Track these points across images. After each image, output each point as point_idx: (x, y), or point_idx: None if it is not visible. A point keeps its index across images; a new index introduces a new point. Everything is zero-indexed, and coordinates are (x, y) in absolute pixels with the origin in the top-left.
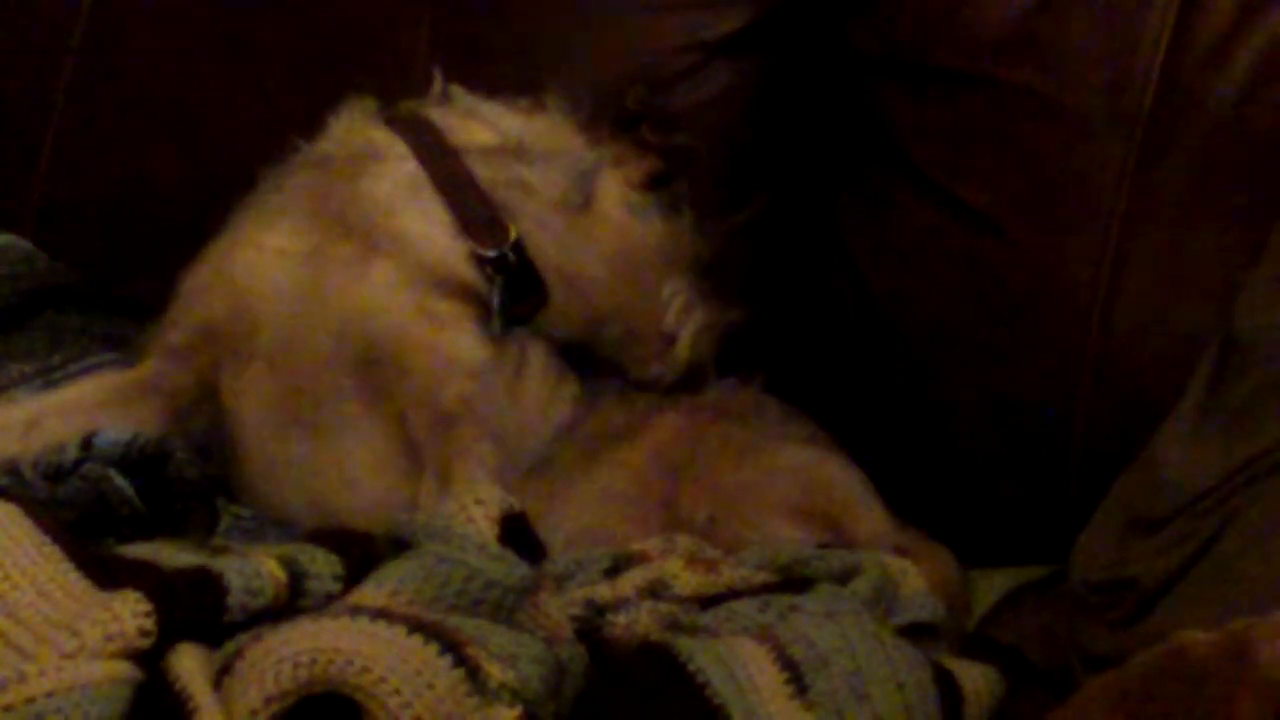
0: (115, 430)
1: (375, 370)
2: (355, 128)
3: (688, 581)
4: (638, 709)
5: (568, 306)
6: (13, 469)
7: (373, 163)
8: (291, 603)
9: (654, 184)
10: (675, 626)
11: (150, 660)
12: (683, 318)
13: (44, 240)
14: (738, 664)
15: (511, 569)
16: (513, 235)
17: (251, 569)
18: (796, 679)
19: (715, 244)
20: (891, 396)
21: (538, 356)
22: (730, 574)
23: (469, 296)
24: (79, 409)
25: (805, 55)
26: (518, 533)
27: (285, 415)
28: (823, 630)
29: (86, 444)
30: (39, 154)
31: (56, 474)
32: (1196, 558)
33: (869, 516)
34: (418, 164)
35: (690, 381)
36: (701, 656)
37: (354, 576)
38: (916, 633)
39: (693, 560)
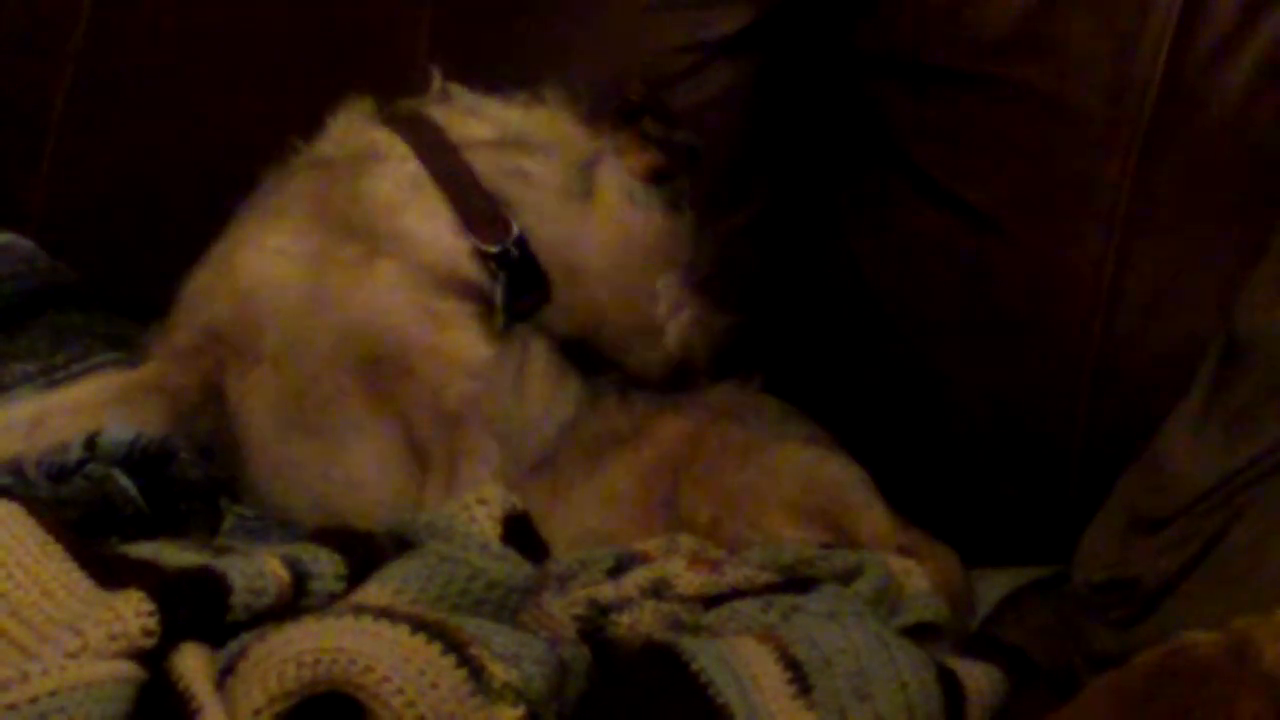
0: (119, 430)
1: (379, 371)
2: (355, 128)
3: (690, 581)
4: (641, 709)
5: (568, 300)
6: (16, 468)
7: (373, 163)
8: (295, 602)
9: (656, 178)
10: (678, 626)
11: (153, 660)
12: (674, 311)
13: (46, 240)
14: (741, 664)
15: (514, 569)
16: (515, 230)
17: (255, 569)
18: (799, 679)
19: (713, 249)
20: (893, 396)
21: (540, 354)
22: (733, 574)
23: (472, 294)
24: (82, 409)
25: (805, 55)
26: (521, 532)
27: (289, 416)
28: (826, 630)
29: (90, 444)
30: (41, 154)
31: (60, 473)
32: (1199, 558)
33: (871, 516)
34: (418, 162)
35: (681, 379)
36: (704, 656)
37: (357, 576)
38: (919, 632)
39: (695, 560)
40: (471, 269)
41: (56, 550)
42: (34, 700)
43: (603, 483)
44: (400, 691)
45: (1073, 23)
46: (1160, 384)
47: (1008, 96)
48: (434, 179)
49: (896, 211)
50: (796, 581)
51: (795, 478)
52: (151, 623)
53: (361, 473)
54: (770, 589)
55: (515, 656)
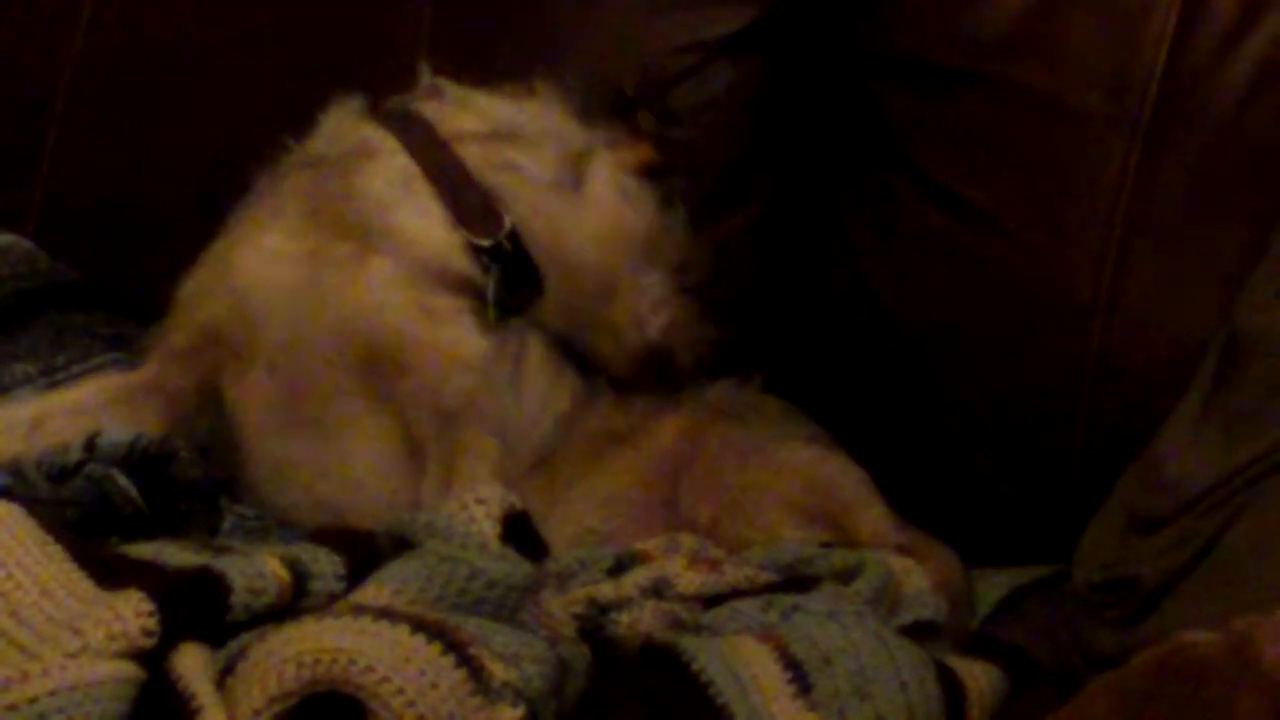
0: (118, 431)
1: (376, 369)
2: (346, 125)
3: (690, 581)
4: (641, 708)
5: (558, 292)
6: (16, 469)
7: (365, 160)
8: (294, 602)
9: (649, 173)
10: (678, 626)
11: (153, 660)
12: (655, 308)
13: (45, 241)
14: (741, 663)
15: (514, 568)
16: (507, 223)
17: (254, 569)
18: (800, 678)
19: (708, 253)
20: (893, 395)
21: (536, 349)
22: (733, 573)
23: (466, 289)
24: (82, 410)
25: (807, 55)
26: (520, 532)
27: (287, 415)
28: (826, 630)
29: (90, 444)
30: (40, 155)
31: (60, 474)
32: (1199, 557)
33: (871, 516)
34: (409, 158)
35: (656, 375)
36: (705, 656)
37: (357, 576)
38: (919, 632)
39: (695, 559)
40: (464, 263)
41: (56, 550)
42: (34, 700)
43: (602, 482)
44: (400, 691)
45: (1073, 22)
46: (1160, 383)
47: (1008, 96)
48: (425, 174)
49: (897, 211)
50: (796, 581)
51: (795, 477)
52: (151, 623)
53: (360, 470)
54: (770, 588)
55: (515, 656)
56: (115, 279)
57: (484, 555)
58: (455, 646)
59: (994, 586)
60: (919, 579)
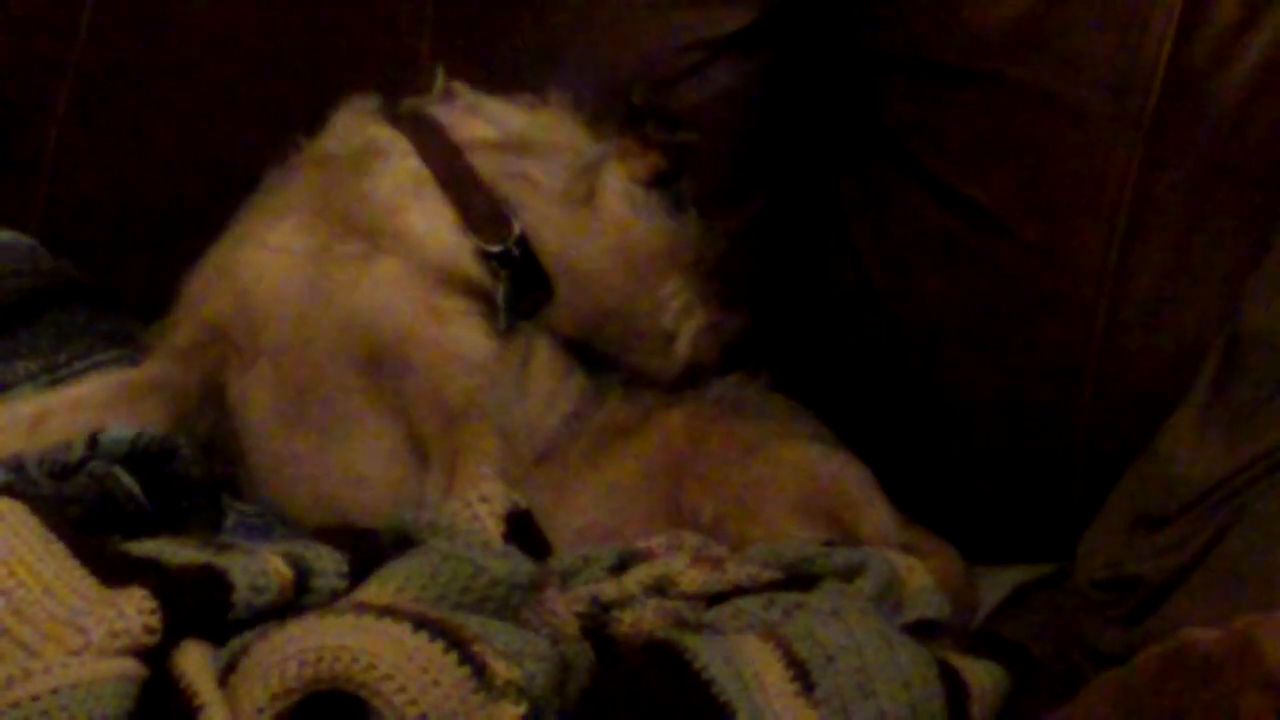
0: (120, 428)
1: (381, 367)
2: (357, 125)
3: (693, 579)
4: (643, 706)
5: (571, 301)
6: (18, 466)
7: (376, 161)
8: (297, 600)
9: (658, 181)
10: (681, 624)
11: (156, 657)
12: (683, 317)
13: (48, 238)
14: (743, 661)
15: (516, 566)
16: (517, 230)
17: (257, 566)
18: (802, 676)
19: (718, 245)
20: (896, 393)
21: (543, 350)
22: (736, 571)
23: (474, 292)
24: (85, 407)
25: (809, 53)
26: (522, 530)
27: (291, 413)
28: (829, 628)
29: (92, 441)
30: (43, 152)
31: (62, 471)
32: (1202, 555)
33: (874, 514)
34: (421, 161)
35: (690, 380)
36: (707, 654)
37: (359, 574)
38: (922, 630)
39: (698, 558)
40: (473, 268)
41: (59, 548)
42: (36, 698)
43: (608, 476)
44: (402, 689)
45: (1075, 20)
46: (1163, 382)
47: (1010, 94)
48: (436, 178)
49: (899, 209)
50: (799, 579)
51: (798, 475)
52: (154, 620)
53: (363, 469)
54: (773, 586)
55: (517, 654)
56: (117, 276)
57: (487, 553)
58: (458, 644)
59: (996, 584)
60: (922, 577)
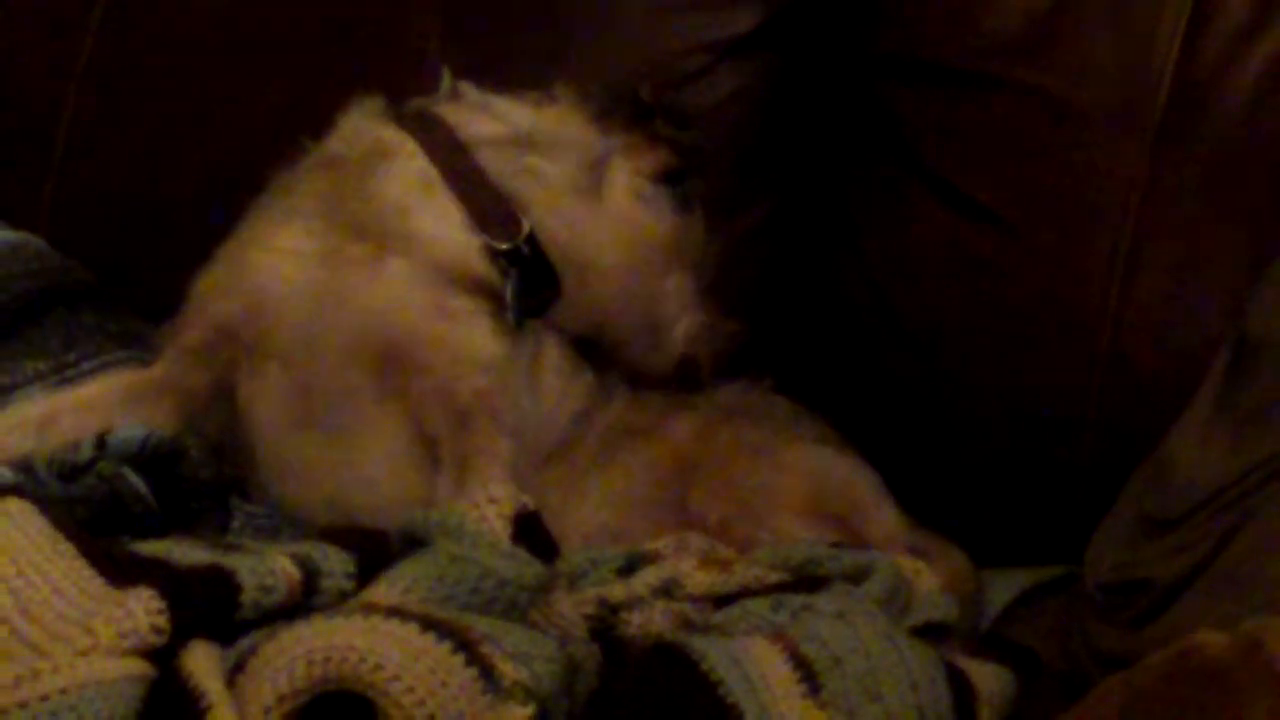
0: (129, 429)
1: (391, 368)
2: (364, 126)
3: (701, 581)
4: (651, 708)
5: (577, 296)
6: (27, 466)
7: (383, 161)
8: (305, 601)
9: (666, 178)
10: (688, 626)
11: (163, 658)
12: (680, 313)
13: (57, 238)
14: (751, 663)
15: (524, 568)
16: (525, 228)
17: (265, 567)
18: (809, 678)
19: (720, 251)
20: (903, 396)
21: (553, 349)
22: (743, 574)
23: (484, 291)
24: (93, 407)
25: (816, 56)
26: (531, 531)
27: (300, 414)
28: (836, 630)
29: (100, 442)
30: (52, 153)
31: (71, 472)
32: (1209, 559)
33: (881, 516)
34: (428, 161)
35: (686, 380)
36: (714, 656)
37: (367, 575)
38: (930, 632)
39: (706, 560)
40: (482, 266)
41: (67, 548)
42: (45, 698)
43: (617, 478)
44: (410, 690)
45: (1084, 24)
46: (1170, 386)
47: (1018, 98)
48: (444, 177)
49: (907, 212)
50: (806, 581)
51: (806, 478)
52: (162, 620)
53: (373, 469)
54: (780, 589)
55: (525, 655)
56: (126, 277)
57: (495, 555)
58: (466, 645)
59: (1004, 588)
60: (929, 580)
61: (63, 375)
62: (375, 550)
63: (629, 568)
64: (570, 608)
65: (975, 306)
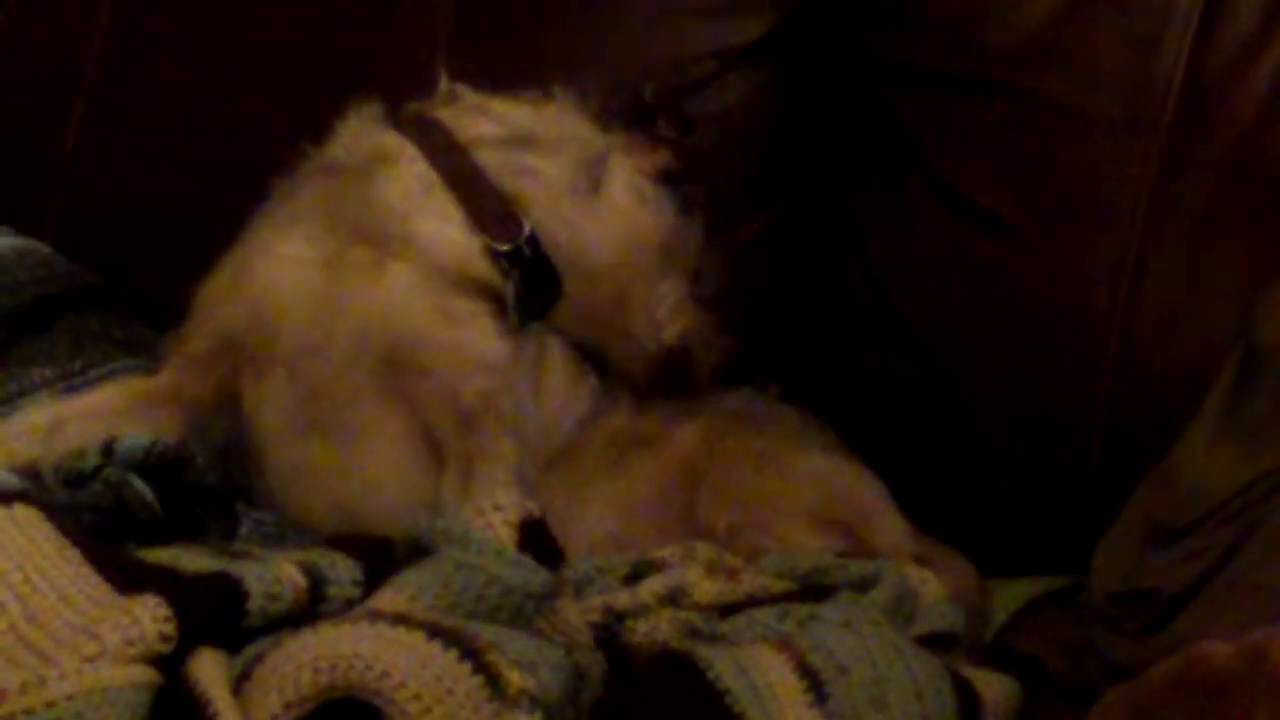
0: (135, 436)
1: (395, 372)
2: (363, 132)
3: (707, 590)
4: (657, 716)
5: (576, 296)
6: (34, 473)
7: (383, 166)
8: (311, 608)
9: (666, 179)
10: (694, 634)
11: (170, 665)
12: (673, 315)
13: (63, 244)
14: (757, 672)
15: (530, 575)
16: (526, 228)
17: (271, 574)
18: (816, 687)
19: (722, 262)
20: (909, 404)
21: (556, 352)
22: (749, 582)
23: (486, 293)
24: (100, 415)
25: (824, 63)
26: (536, 539)
27: (305, 420)
28: (842, 639)
29: (107, 449)
30: (59, 159)
31: (77, 479)
32: (1216, 568)
33: (888, 525)
34: (428, 164)
35: (671, 383)
36: (721, 664)
37: (373, 582)
38: (936, 642)
39: (712, 568)
40: (484, 268)
41: (74, 555)
42: (51, 705)
43: (623, 486)
44: (416, 698)
45: (1091, 31)
46: (1178, 393)
47: (1026, 105)
48: (444, 180)
49: (913, 218)
50: (813, 590)
51: (812, 486)
52: (168, 628)
53: (378, 474)
54: (786, 597)
55: (531, 663)
56: (133, 283)
57: (501, 562)
58: (471, 653)
59: (1010, 597)
60: (935, 589)
61: (69, 382)
62: (381, 557)
63: (635, 576)
64: (576, 615)
65: (981, 313)
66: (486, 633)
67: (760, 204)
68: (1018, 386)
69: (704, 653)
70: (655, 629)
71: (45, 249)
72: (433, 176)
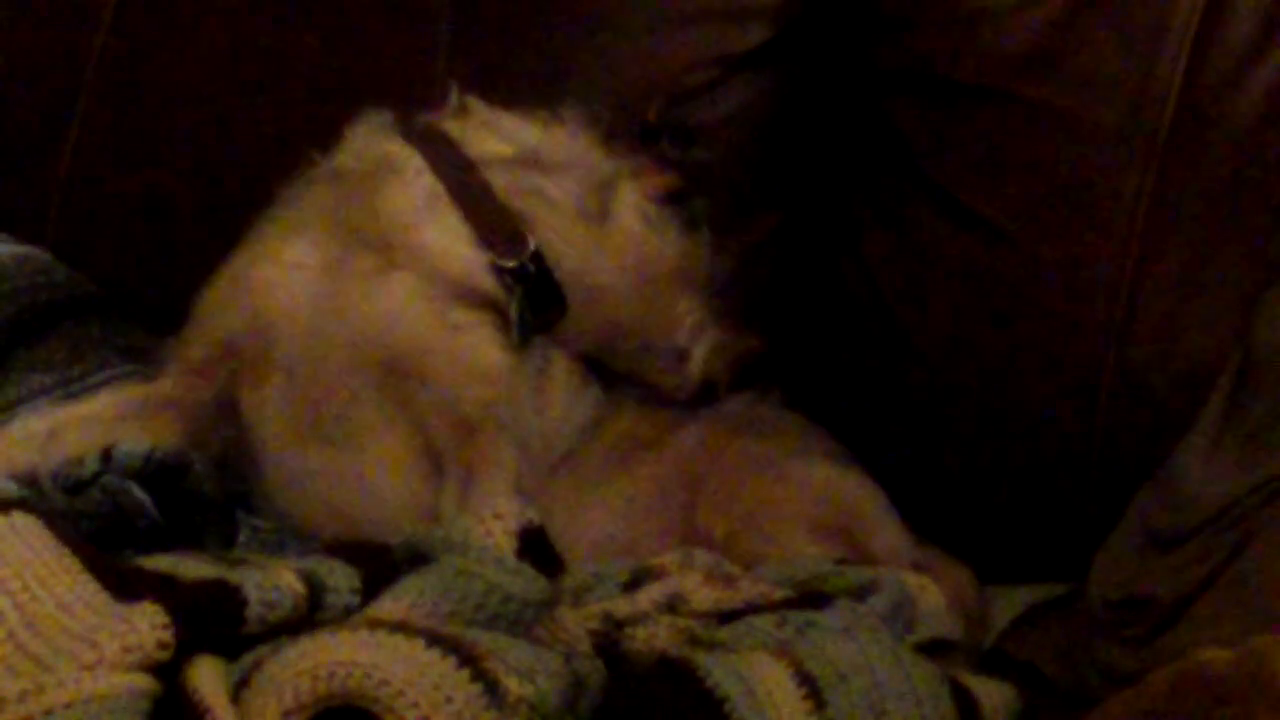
0: (134, 443)
1: (395, 380)
2: (371, 141)
3: (706, 597)
4: None
5: (585, 317)
6: (32, 480)
7: (390, 176)
8: (310, 615)
9: (672, 199)
10: (693, 641)
11: (168, 673)
12: (696, 335)
13: (63, 251)
14: (756, 679)
15: (529, 583)
16: (531, 246)
17: (270, 581)
18: (814, 695)
19: (732, 263)
20: (909, 412)
21: (560, 361)
22: (748, 589)
23: (489, 306)
24: (98, 422)
25: (822, 71)
26: (535, 546)
27: (305, 428)
28: (841, 646)
29: (105, 456)
30: (58, 165)
31: (75, 486)
32: (1214, 576)
33: (887, 532)
34: (435, 177)
35: (704, 397)
36: (719, 672)
37: (372, 590)
38: (934, 649)
39: (711, 575)
40: (488, 282)
41: (72, 562)
42: (49, 712)
43: (622, 491)
44: (415, 705)
45: (1091, 39)
46: (1176, 401)
47: (1025, 112)
48: (450, 193)
49: (913, 226)
50: (811, 597)
51: (811, 494)
52: (166, 635)
53: (378, 482)
54: (785, 604)
55: (530, 671)
56: (133, 290)
57: (500, 570)
58: (470, 661)
59: (1009, 604)
60: (934, 596)
61: (68, 389)
62: (380, 565)
63: (634, 583)
64: (575, 623)
65: (980, 321)
66: (485, 640)
67: (760, 209)
68: (1016, 393)
69: (702, 660)
70: (654, 636)
71: (45, 256)
72: (439, 189)
